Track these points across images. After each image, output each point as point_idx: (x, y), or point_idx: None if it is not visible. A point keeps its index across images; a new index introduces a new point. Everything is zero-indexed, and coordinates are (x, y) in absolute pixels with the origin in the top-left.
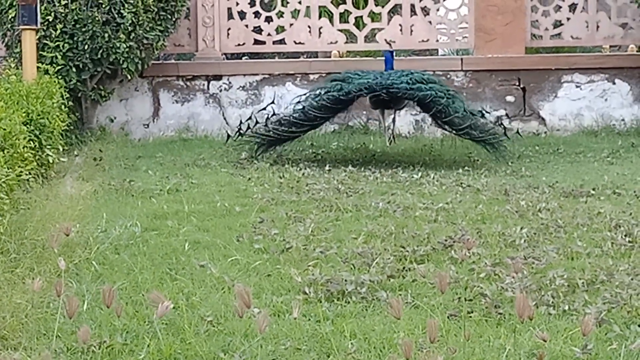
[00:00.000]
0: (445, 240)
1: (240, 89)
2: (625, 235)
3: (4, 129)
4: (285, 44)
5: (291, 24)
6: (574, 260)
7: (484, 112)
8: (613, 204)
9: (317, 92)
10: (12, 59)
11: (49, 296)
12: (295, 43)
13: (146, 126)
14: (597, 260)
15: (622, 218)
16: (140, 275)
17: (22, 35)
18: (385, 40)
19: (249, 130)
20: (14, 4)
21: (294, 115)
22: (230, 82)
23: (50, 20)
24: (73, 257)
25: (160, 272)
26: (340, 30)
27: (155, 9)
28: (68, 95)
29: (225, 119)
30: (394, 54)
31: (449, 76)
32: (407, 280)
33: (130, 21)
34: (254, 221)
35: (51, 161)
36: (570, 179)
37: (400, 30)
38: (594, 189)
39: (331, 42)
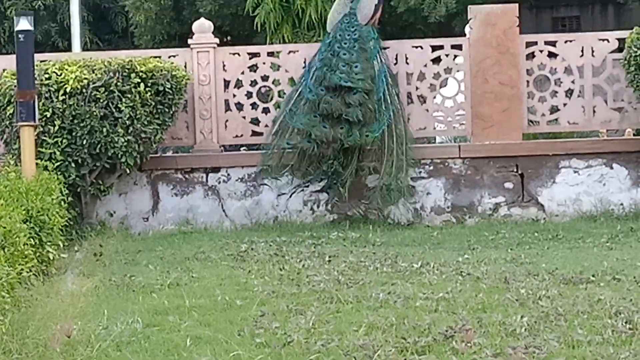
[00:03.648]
0: (446, 331)
1: (239, 180)
2: (626, 322)
3: (4, 227)
4: None
5: None
6: (575, 349)
7: None
8: (613, 290)
9: None
10: (10, 155)
11: None
12: None
13: (146, 220)
14: (598, 348)
15: (622, 305)
16: None
17: (20, 131)
18: None
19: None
20: (12, 100)
21: None
22: (228, 174)
23: (49, 116)
24: (75, 356)
25: None
26: None
27: (153, 103)
28: (67, 191)
29: (224, 211)
30: None
31: (447, 164)
32: None
33: (128, 115)
34: (255, 315)
35: (52, 258)
36: (570, 265)
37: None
38: (593, 275)
39: None
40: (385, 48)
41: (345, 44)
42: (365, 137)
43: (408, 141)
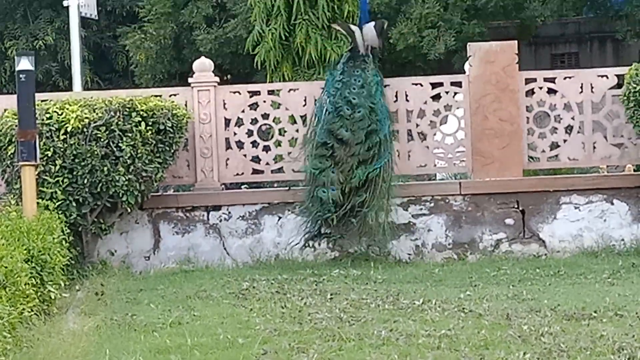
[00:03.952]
0: None
1: (240, 218)
2: (629, 359)
3: (6, 267)
4: (283, 172)
5: (289, 153)
6: None
7: None
8: (615, 326)
9: None
10: (12, 195)
11: None
12: (294, 171)
13: (147, 258)
14: None
15: (624, 341)
16: None
17: (21, 171)
18: None
19: None
20: (13, 140)
21: None
22: (229, 212)
23: (50, 155)
24: None
25: None
26: None
27: (154, 142)
28: (68, 230)
29: (225, 249)
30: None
31: (447, 200)
32: None
33: (129, 154)
34: (257, 353)
35: (53, 297)
36: (571, 301)
37: (398, 155)
38: (595, 312)
39: None
40: (385, 86)
41: (353, 88)
42: (370, 172)
43: (393, 179)
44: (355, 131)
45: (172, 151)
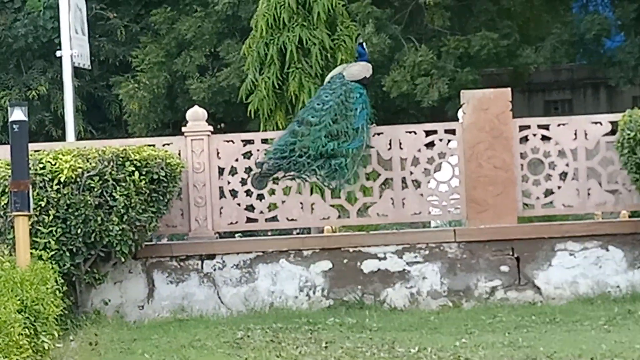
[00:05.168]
0: None
1: (234, 267)
2: None
3: None
4: (277, 221)
5: (283, 201)
6: None
7: None
8: None
9: None
10: (5, 245)
11: None
12: (288, 220)
13: (141, 308)
14: None
15: None
16: None
17: (15, 221)
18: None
19: None
20: (6, 190)
21: None
22: (224, 261)
23: (43, 205)
24: None
25: None
26: (332, 206)
27: (147, 191)
28: (62, 280)
29: (220, 298)
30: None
31: (442, 248)
32: None
33: (122, 204)
34: None
35: (47, 347)
36: (568, 348)
37: (392, 203)
38: (592, 359)
39: (323, 218)
40: (379, 134)
41: (329, 90)
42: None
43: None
44: (322, 117)
45: (166, 200)
